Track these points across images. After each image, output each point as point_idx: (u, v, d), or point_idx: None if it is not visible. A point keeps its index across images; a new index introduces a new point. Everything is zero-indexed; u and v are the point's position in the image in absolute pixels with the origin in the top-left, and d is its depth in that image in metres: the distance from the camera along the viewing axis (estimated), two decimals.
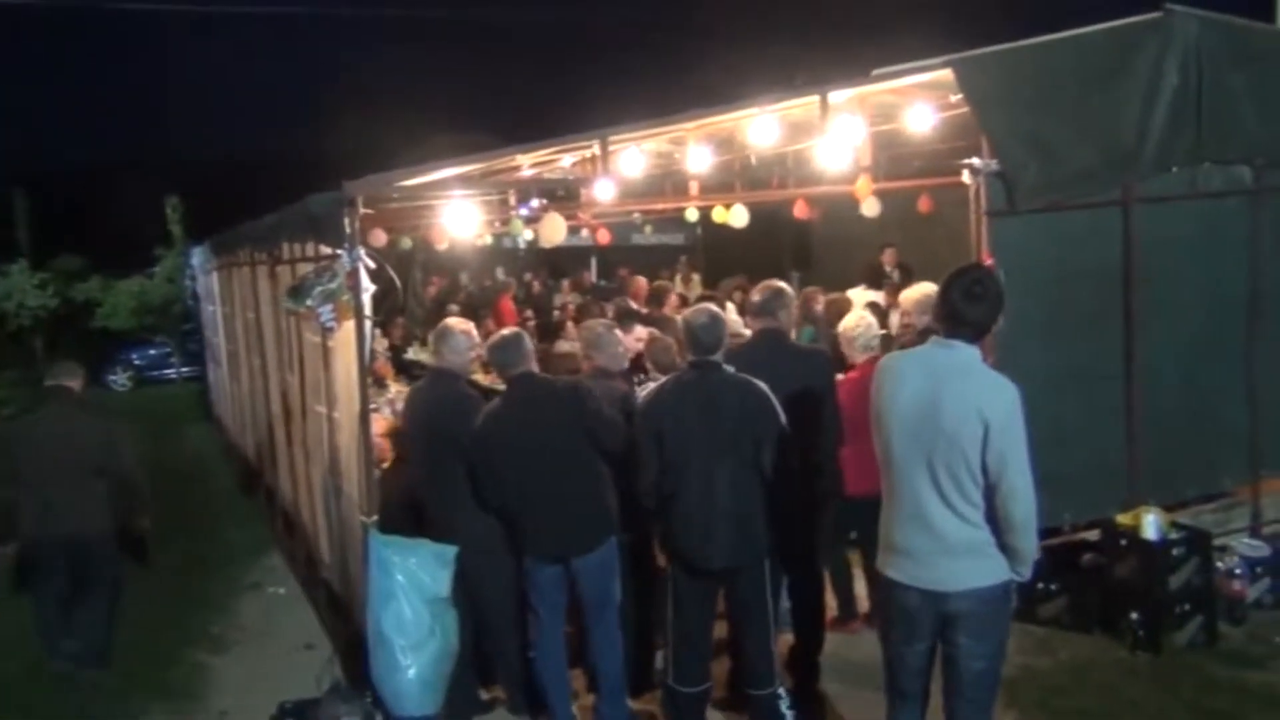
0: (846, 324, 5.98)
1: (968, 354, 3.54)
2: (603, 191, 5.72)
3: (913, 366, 3.68)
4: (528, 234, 14.29)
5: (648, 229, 18.69)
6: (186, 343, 19.96)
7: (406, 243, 14.59)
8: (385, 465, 5.89)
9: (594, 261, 20.08)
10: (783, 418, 4.57)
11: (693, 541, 4.63)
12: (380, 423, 6.43)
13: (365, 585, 5.15)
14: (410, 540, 5.08)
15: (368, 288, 5.00)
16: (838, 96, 6.47)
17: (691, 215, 12.03)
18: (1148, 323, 6.36)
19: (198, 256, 14.87)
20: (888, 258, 12.75)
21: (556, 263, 19.53)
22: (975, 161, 5.96)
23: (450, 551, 5.04)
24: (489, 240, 16.69)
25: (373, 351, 11.80)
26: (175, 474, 12.51)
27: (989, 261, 5.90)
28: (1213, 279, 6.63)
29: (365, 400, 5.11)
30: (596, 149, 5.46)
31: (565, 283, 17.49)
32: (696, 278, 16.35)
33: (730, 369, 4.64)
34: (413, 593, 4.97)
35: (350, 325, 5.01)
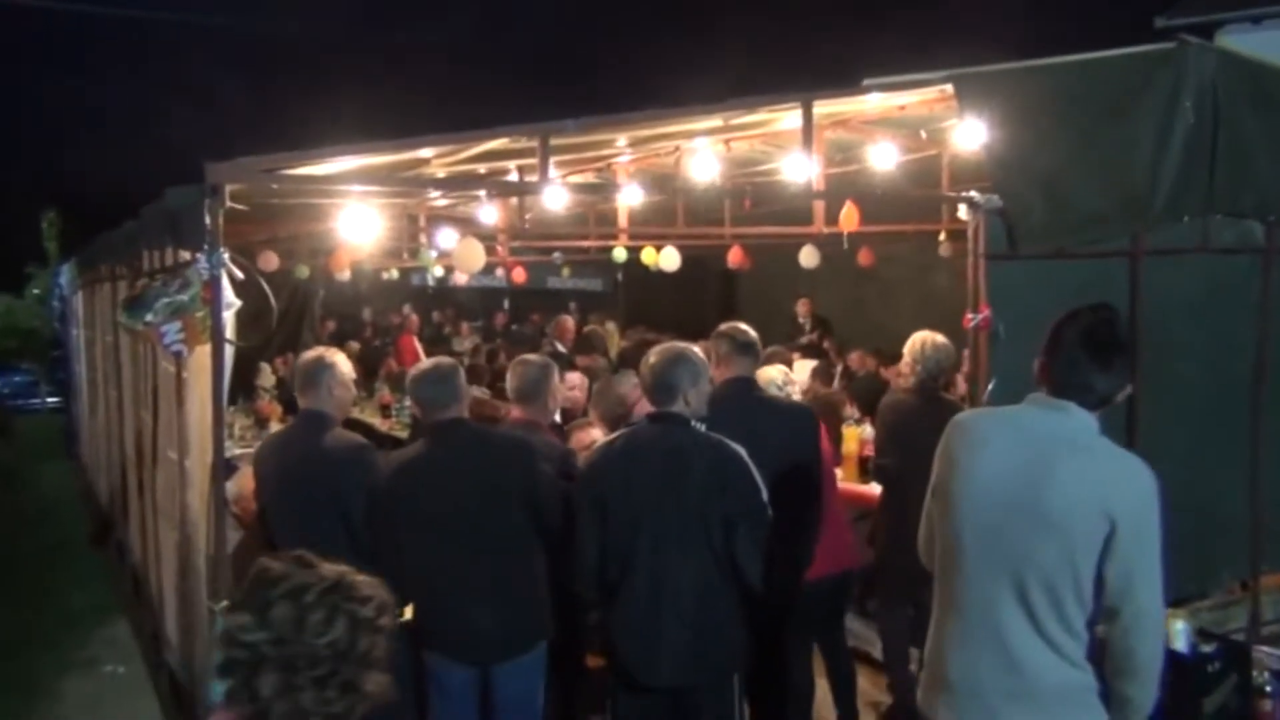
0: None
1: (1082, 421, 2.54)
2: (552, 199, 4.82)
3: (1001, 431, 2.65)
4: (439, 270, 13.28)
5: (565, 272, 17.66)
6: (54, 370, 18.28)
7: (304, 271, 13.34)
8: (246, 524, 4.70)
9: (506, 303, 19.00)
10: (765, 494, 3.58)
11: (635, 648, 3.62)
12: (248, 477, 5.24)
13: (209, 680, 3.98)
14: None
15: (231, 303, 3.85)
16: (818, 110, 5.58)
17: (620, 255, 11.11)
18: (1150, 391, 5.57)
19: (65, 275, 13.38)
20: (802, 308, 12.10)
21: (464, 303, 18.43)
22: (974, 195, 5.10)
23: None
24: (395, 275, 15.59)
25: (257, 388, 10.74)
26: (18, 519, 10.99)
27: (985, 312, 5.09)
28: (1219, 345, 5.85)
29: (220, 449, 3.91)
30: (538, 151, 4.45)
31: (465, 325, 16.38)
32: (612, 325, 15.32)
33: (701, 427, 3.64)
34: None
35: (206, 350, 3.85)
